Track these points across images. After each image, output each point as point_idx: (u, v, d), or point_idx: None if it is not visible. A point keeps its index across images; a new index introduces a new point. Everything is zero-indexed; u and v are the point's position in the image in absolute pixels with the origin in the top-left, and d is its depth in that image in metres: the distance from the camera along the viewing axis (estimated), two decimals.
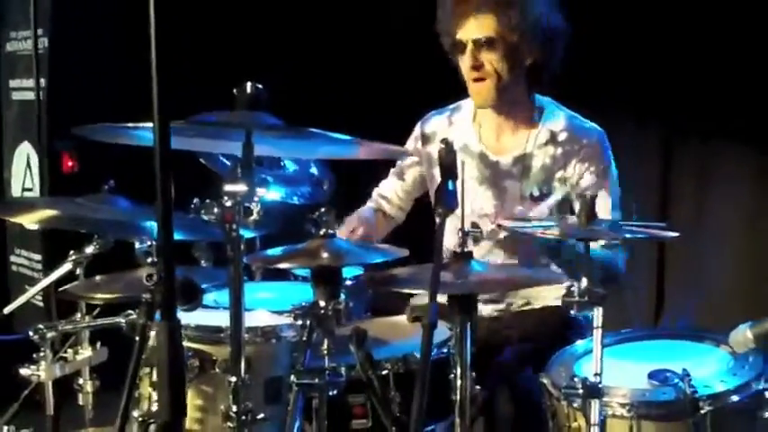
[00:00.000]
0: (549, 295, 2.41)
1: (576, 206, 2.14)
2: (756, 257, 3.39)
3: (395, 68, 3.72)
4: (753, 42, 3.22)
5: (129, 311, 2.00)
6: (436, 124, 2.57)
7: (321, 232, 1.86)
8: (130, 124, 1.66)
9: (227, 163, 1.95)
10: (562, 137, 2.41)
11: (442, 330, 1.94)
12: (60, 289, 2.15)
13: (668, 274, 3.57)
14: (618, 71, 3.47)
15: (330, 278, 1.81)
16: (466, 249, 1.82)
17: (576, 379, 1.80)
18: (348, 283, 1.90)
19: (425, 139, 2.56)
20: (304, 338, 1.80)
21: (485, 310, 2.42)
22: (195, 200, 1.73)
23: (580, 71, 3.07)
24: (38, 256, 3.93)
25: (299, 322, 1.82)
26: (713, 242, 3.45)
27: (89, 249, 2.23)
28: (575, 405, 1.82)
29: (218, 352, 1.94)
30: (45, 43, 3.79)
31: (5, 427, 2.14)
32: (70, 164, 3.78)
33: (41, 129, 3.78)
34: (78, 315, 2.21)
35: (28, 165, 3.97)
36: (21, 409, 2.26)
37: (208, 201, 1.69)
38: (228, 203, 1.66)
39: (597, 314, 1.77)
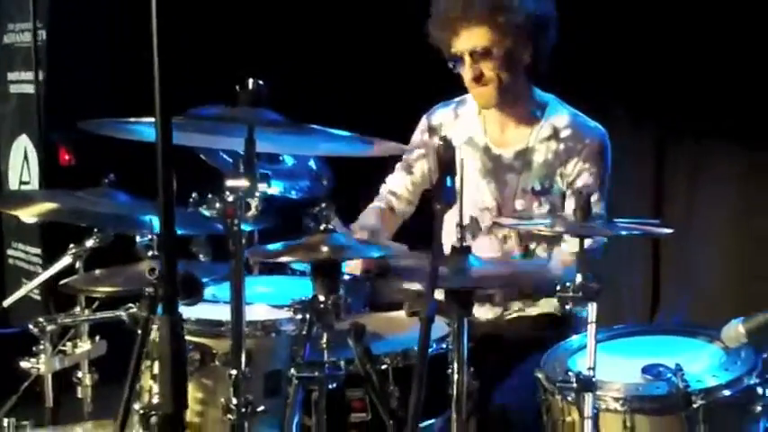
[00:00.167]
0: (544, 303, 2.44)
1: (571, 203, 2.16)
2: (750, 254, 3.43)
3: (396, 65, 3.73)
4: (746, 43, 3.25)
5: (130, 305, 2.01)
6: (442, 116, 2.59)
7: (321, 227, 1.88)
8: (132, 119, 1.68)
9: (228, 159, 1.96)
10: (565, 133, 2.43)
11: (440, 326, 1.97)
12: (61, 283, 2.16)
13: (663, 272, 3.60)
14: (613, 72, 3.49)
15: (329, 272, 1.82)
16: (464, 244, 1.84)
17: (570, 373, 1.83)
18: (346, 278, 1.92)
19: (432, 130, 2.58)
20: (303, 332, 1.81)
21: (479, 313, 2.45)
22: (194, 195, 1.75)
23: (575, 71, 3.10)
24: (35, 250, 3.93)
25: (299, 316, 1.84)
26: (706, 239, 3.48)
27: (89, 243, 2.24)
28: (569, 399, 1.85)
29: (219, 345, 1.96)
30: (43, 36, 3.79)
31: (5, 419, 2.15)
32: (67, 157, 3.79)
33: (41, 122, 3.79)
34: (77, 309, 2.22)
35: (25, 158, 3.97)
36: (20, 401, 2.28)
37: (209, 196, 1.71)
38: (230, 198, 1.67)
39: (591, 309, 1.80)
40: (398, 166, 2.64)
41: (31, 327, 2.13)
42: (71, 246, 2.25)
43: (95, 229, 2.25)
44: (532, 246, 2.46)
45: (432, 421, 1.94)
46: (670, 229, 1.99)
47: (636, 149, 3.55)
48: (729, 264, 3.46)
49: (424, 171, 2.60)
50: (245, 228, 1.72)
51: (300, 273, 2.30)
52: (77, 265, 2.25)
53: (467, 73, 2.38)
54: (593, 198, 2.33)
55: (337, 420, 1.88)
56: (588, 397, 1.78)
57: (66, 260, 2.26)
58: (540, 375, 1.95)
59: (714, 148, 3.47)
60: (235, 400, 1.72)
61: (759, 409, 1.85)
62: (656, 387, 1.85)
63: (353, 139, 1.75)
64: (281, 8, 3.82)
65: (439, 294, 1.70)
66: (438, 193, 1.68)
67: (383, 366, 1.91)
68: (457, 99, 2.59)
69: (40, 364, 2.15)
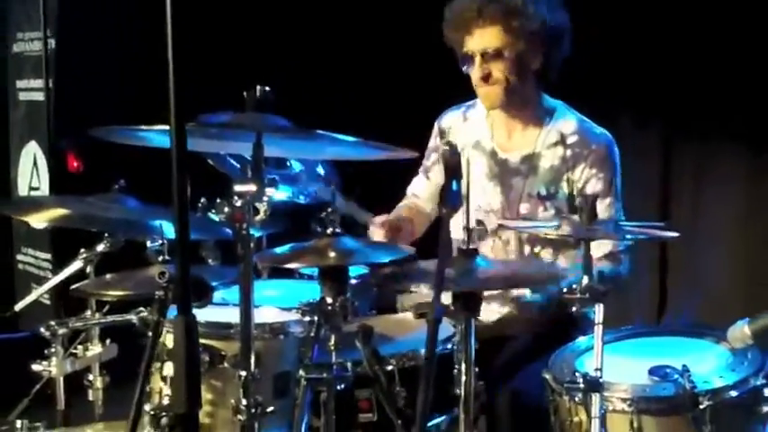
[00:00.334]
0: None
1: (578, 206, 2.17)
2: (757, 255, 3.43)
3: (407, 69, 3.74)
4: (751, 45, 3.25)
5: (141, 309, 2.03)
6: (451, 120, 2.61)
7: (328, 231, 1.89)
8: (143, 126, 1.70)
9: (236, 164, 1.98)
10: (572, 139, 2.44)
11: (446, 326, 1.98)
12: (72, 287, 2.19)
13: (670, 273, 3.60)
14: (619, 74, 3.50)
15: (337, 275, 1.84)
16: (471, 246, 1.85)
17: (577, 374, 1.84)
18: (353, 281, 1.93)
19: (442, 133, 2.61)
20: (312, 334, 1.83)
21: (485, 314, 2.45)
22: (203, 199, 1.77)
23: (581, 72, 3.10)
24: (45, 255, 3.96)
25: (307, 318, 1.85)
26: (713, 240, 3.48)
27: (100, 247, 2.26)
28: (576, 399, 1.86)
29: (228, 347, 1.98)
30: (52, 45, 3.82)
31: (18, 421, 2.18)
32: (75, 164, 3.82)
33: (50, 129, 3.82)
34: (88, 312, 2.24)
35: (35, 164, 4.01)
36: (32, 403, 2.31)
37: (218, 200, 1.73)
38: (239, 203, 1.69)
39: (598, 310, 1.81)
40: (420, 169, 2.68)
41: (42, 330, 2.15)
42: (82, 250, 2.27)
43: (106, 234, 2.27)
44: (536, 250, 2.47)
45: (437, 420, 1.95)
46: (676, 232, 1.99)
47: (642, 150, 3.56)
48: (736, 264, 3.47)
49: (440, 176, 2.62)
50: (254, 232, 1.74)
51: (308, 277, 2.33)
52: (88, 269, 2.27)
53: (475, 72, 2.40)
54: (606, 202, 2.36)
55: (345, 420, 1.89)
56: (595, 398, 1.78)
57: (77, 264, 2.28)
58: (547, 376, 1.96)
59: (720, 150, 3.48)
60: (244, 401, 1.75)
61: (766, 409, 1.85)
62: (662, 388, 1.86)
63: (360, 144, 1.77)
64: (288, 13, 3.85)
65: (446, 298, 1.71)
66: (444, 197, 1.70)
67: (390, 367, 1.92)
68: (467, 103, 2.61)
69: (52, 367, 2.17)
